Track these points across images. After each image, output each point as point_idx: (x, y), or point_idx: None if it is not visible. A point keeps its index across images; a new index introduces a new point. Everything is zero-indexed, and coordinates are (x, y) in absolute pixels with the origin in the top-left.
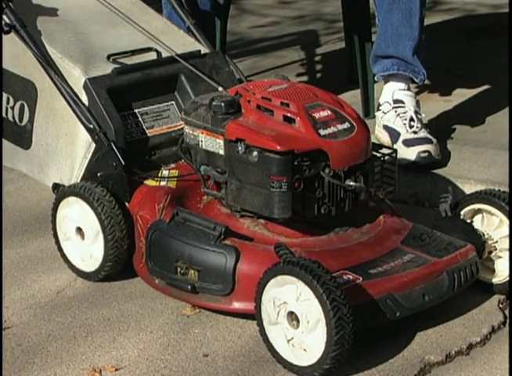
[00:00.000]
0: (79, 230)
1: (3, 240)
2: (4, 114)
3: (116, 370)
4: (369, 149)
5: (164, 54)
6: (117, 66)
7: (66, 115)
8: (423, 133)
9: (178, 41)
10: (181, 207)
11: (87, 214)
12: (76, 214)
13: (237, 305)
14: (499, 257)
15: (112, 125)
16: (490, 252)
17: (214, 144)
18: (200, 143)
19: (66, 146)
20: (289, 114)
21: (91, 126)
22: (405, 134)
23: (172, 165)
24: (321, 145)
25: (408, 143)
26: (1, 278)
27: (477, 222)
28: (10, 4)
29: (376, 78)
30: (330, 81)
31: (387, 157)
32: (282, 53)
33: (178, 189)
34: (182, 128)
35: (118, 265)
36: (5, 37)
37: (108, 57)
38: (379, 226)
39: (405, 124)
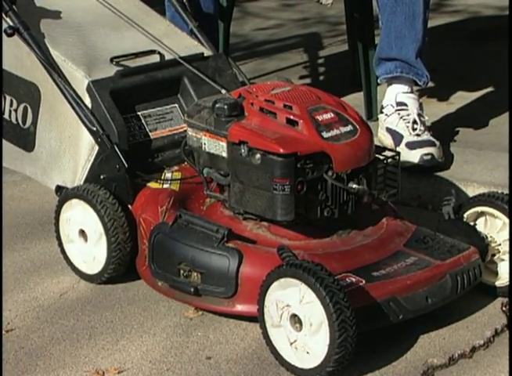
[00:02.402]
0: (82, 233)
1: (6, 243)
2: (7, 117)
3: (119, 372)
4: (372, 151)
5: (167, 56)
6: (120, 68)
7: (69, 118)
8: (426, 136)
9: (181, 43)
10: (184, 209)
11: (90, 216)
12: (79, 216)
13: (240, 308)
14: (502, 260)
15: (115, 128)
16: (493, 255)
17: (217, 147)
18: (203, 146)
19: (69, 149)
20: (292, 117)
21: (95, 128)
22: (408, 136)
23: (175, 168)
24: (324, 147)
25: (411, 146)
26: (1, 280)
27: (481, 225)
28: (13, 6)
29: (379, 81)
30: (333, 83)
31: (390, 160)
32: (285, 56)
33: (180, 191)
34: (185, 131)
35: (121, 268)
36: (8, 39)
37: (111, 60)
38: (382, 229)
39: (408, 126)
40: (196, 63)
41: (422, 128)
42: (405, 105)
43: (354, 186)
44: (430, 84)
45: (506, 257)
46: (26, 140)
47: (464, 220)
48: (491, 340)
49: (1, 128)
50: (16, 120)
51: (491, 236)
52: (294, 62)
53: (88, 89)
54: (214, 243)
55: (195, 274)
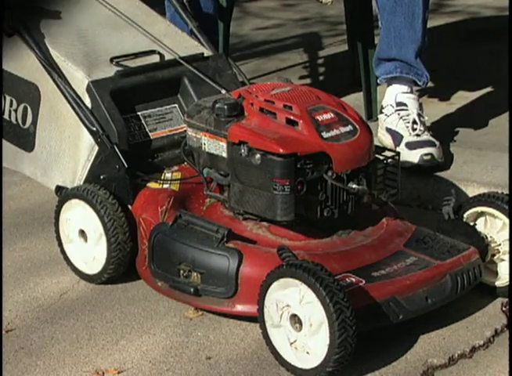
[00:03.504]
0: (82, 233)
1: (6, 243)
2: (7, 117)
3: (118, 372)
4: (371, 151)
5: (167, 57)
6: (120, 68)
7: (69, 118)
8: (425, 136)
9: (181, 43)
10: (184, 209)
11: (90, 216)
12: (79, 216)
13: (240, 308)
14: (502, 260)
15: (115, 128)
16: (493, 255)
17: (217, 147)
18: (203, 146)
19: (69, 149)
20: (292, 117)
21: (95, 129)
22: (408, 137)
23: (175, 168)
24: (324, 148)
25: (411, 146)
26: (1, 280)
27: (480, 225)
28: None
29: (378, 81)
30: (333, 83)
31: (389, 160)
32: (285, 56)
33: (180, 191)
34: (185, 131)
35: (121, 268)
36: (8, 39)
37: (111, 60)
38: (382, 229)
39: (407, 126)
40: (196, 63)
41: (422, 128)
42: (405, 105)
43: (354, 186)
44: (430, 84)
45: (506, 257)
46: (26, 140)
47: (464, 220)
48: (491, 340)
49: (1, 128)
50: (16, 120)
51: (491, 237)
52: (294, 62)
53: (88, 89)
54: (214, 243)
55: (195, 274)
